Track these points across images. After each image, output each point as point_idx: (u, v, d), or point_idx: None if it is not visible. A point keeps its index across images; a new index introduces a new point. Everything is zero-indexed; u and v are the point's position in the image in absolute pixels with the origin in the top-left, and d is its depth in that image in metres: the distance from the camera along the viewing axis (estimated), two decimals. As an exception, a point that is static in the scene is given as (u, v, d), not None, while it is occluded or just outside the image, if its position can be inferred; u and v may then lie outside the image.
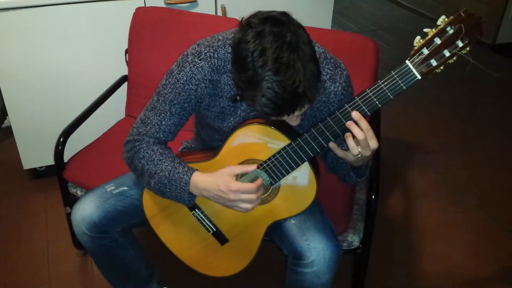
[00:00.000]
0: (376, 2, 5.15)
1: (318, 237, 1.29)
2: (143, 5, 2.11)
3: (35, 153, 2.28)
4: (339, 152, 1.18)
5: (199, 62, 1.25)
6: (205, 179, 1.24)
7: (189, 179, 1.25)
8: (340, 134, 1.17)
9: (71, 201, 1.80)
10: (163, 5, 2.14)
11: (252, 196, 1.22)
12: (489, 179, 2.53)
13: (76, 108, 1.90)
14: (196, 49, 1.26)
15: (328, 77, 1.27)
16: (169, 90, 1.28)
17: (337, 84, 1.28)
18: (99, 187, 1.43)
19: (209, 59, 1.24)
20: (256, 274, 1.86)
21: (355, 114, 1.12)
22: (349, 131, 1.14)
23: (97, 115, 1.90)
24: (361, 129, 1.13)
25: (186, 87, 1.26)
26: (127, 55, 2.02)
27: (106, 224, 1.38)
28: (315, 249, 1.27)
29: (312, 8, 2.32)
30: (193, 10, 2.20)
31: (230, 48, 1.22)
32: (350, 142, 1.15)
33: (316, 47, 1.24)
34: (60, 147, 1.71)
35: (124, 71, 2.06)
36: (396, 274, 1.96)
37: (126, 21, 1.96)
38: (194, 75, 1.25)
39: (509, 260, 2.03)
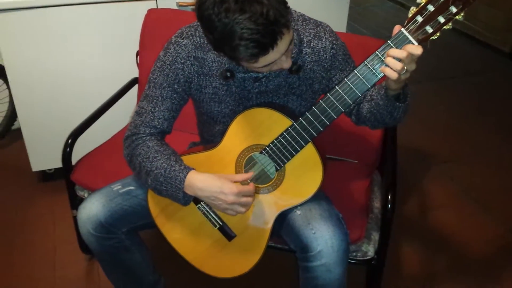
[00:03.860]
0: (390, 9, 5.10)
1: (324, 225, 1.25)
2: (155, 7, 2.08)
3: (44, 155, 2.26)
4: (394, 74, 1.06)
5: (182, 40, 1.28)
6: (202, 178, 1.23)
7: (185, 177, 1.23)
8: (350, 103, 1.14)
9: (78, 204, 1.74)
10: (175, 7, 2.11)
11: (250, 199, 1.23)
12: (507, 189, 2.45)
13: (85, 110, 1.86)
14: (179, 31, 1.31)
15: (311, 36, 1.29)
16: (158, 74, 1.30)
17: (324, 40, 1.29)
18: (105, 186, 1.41)
19: (191, 37, 1.28)
20: (268, 282, 1.80)
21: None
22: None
23: (106, 118, 1.87)
24: (398, 56, 1.05)
25: (173, 67, 1.28)
26: (138, 57, 1.99)
27: (112, 224, 1.35)
28: (322, 238, 1.23)
29: (327, 12, 2.29)
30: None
31: None
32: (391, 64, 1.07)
33: (292, 12, 1.27)
34: (68, 149, 1.68)
35: (135, 73, 2.03)
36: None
37: (137, 22, 1.93)
38: (178, 54, 1.28)
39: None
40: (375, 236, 1.55)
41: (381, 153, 1.83)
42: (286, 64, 1.16)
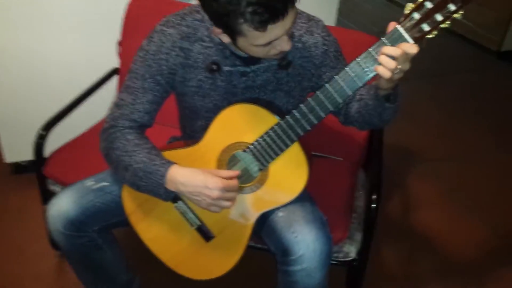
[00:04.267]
0: (381, 5, 5.05)
1: (306, 228, 1.20)
2: (139, -6, 1.99)
3: (17, 146, 2.16)
4: (387, 73, 1.00)
5: (167, 29, 1.22)
6: (185, 173, 1.17)
7: (166, 171, 1.16)
8: (340, 101, 1.09)
9: (50, 199, 1.68)
10: (160, -5, 2.03)
11: (234, 194, 1.18)
12: (495, 192, 2.43)
13: (62, 100, 1.78)
14: (164, 19, 1.24)
15: (303, 31, 1.24)
16: (140, 65, 1.23)
17: (315, 35, 1.24)
18: (78, 182, 1.34)
19: (177, 26, 1.22)
20: (246, 283, 1.75)
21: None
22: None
23: (83, 109, 1.80)
24: (392, 54, 0.99)
25: (157, 57, 1.22)
26: (119, 46, 1.92)
27: (83, 222, 1.28)
28: (304, 242, 1.18)
29: (317, 4, 2.23)
30: (192, 2, 2.09)
31: (197, 15, 1.22)
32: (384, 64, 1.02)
33: None
34: (40, 141, 1.61)
35: (116, 63, 1.95)
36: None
37: (120, 9, 1.85)
38: (163, 44, 1.21)
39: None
40: (358, 236, 1.51)
41: (366, 151, 1.78)
42: (287, 45, 1.10)
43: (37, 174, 1.66)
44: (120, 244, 1.45)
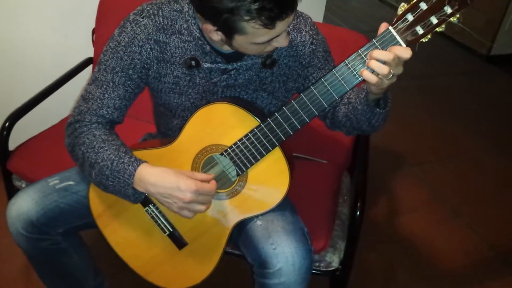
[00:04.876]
0: (369, 3, 4.99)
1: (286, 240, 1.11)
2: (116, -21, 1.88)
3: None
4: (374, 79, 0.94)
5: (142, 20, 1.12)
6: (155, 172, 1.07)
7: (135, 170, 1.07)
8: (325, 106, 1.02)
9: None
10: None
11: (209, 198, 1.09)
12: (482, 195, 2.39)
13: (32, 91, 1.67)
14: (139, 8, 1.15)
15: (290, 27, 1.15)
16: (110, 56, 1.13)
17: (303, 34, 1.17)
18: (41, 180, 1.24)
19: (152, 17, 1.12)
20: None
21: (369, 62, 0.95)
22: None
23: (54, 101, 1.69)
24: (383, 59, 0.92)
25: (129, 50, 1.12)
26: (94, 35, 1.81)
27: (45, 224, 1.19)
28: (282, 255, 1.10)
29: (304, 1, 2.15)
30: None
31: (175, 5, 1.13)
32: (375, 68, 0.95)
33: None
34: (5, 133, 1.50)
35: (90, 52, 1.85)
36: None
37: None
38: (136, 35, 1.12)
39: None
40: (341, 245, 1.43)
41: (352, 153, 1.71)
42: (286, 41, 1.03)
43: (1, 169, 1.56)
44: (89, 246, 1.36)
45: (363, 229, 1.37)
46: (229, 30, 0.97)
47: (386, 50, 0.93)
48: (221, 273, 1.23)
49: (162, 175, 1.07)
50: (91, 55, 1.85)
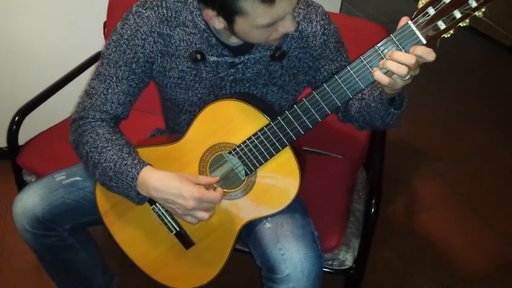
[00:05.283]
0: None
1: (295, 246, 1.07)
2: (128, -29, 1.86)
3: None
4: (385, 80, 0.89)
5: (144, 11, 1.08)
6: (158, 177, 1.04)
7: (137, 173, 1.04)
8: (339, 104, 0.96)
9: (26, 190, 1.57)
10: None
11: (212, 205, 1.05)
12: (500, 192, 2.31)
13: (43, 85, 1.66)
14: (141, 0, 1.11)
15: (301, 17, 1.10)
16: (113, 50, 1.10)
17: (314, 24, 1.11)
18: (47, 176, 1.22)
19: (156, 8, 1.08)
20: None
21: (381, 63, 0.90)
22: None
23: (64, 95, 1.69)
24: (399, 59, 0.87)
25: (132, 43, 1.09)
26: (105, 28, 1.78)
27: (51, 220, 1.17)
28: (291, 261, 1.06)
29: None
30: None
31: None
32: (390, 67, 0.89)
33: None
34: (14, 127, 1.49)
35: (101, 46, 1.82)
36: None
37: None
38: (139, 28, 1.08)
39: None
40: (355, 243, 1.39)
41: (368, 149, 1.65)
42: (292, 25, 0.98)
43: (12, 164, 1.55)
44: (98, 242, 1.34)
45: (378, 226, 1.33)
46: (229, 13, 0.93)
47: (404, 45, 0.88)
48: (229, 272, 1.19)
49: (166, 180, 1.04)
50: (102, 48, 1.82)
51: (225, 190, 1.11)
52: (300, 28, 1.10)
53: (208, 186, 1.08)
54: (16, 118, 1.49)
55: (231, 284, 1.59)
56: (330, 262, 1.36)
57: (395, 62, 0.87)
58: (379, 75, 0.89)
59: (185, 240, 1.16)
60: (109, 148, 1.07)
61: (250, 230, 1.16)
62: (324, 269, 1.16)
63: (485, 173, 2.43)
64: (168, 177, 1.03)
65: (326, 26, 1.13)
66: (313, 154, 1.66)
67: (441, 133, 2.75)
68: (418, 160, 2.50)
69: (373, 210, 1.29)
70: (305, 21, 1.11)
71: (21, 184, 1.58)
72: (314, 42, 1.12)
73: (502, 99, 3.16)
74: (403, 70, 0.87)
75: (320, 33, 1.12)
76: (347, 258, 1.36)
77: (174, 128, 1.27)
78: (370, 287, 1.67)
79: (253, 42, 1.04)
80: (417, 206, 2.19)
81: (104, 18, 1.77)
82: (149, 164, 1.06)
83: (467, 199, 2.24)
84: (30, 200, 1.16)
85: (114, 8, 1.73)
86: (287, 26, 0.97)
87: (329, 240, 1.31)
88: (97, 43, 1.83)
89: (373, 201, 1.29)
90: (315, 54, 1.14)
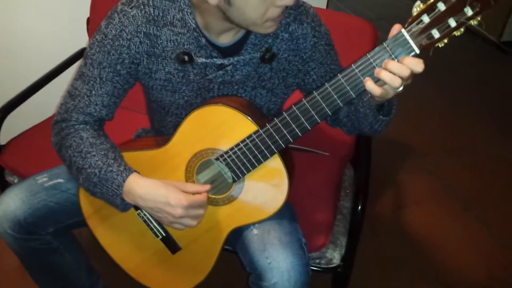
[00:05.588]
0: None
1: (282, 254, 1.06)
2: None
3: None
4: (377, 91, 0.89)
5: (130, 10, 1.04)
6: (145, 184, 1.02)
7: (123, 181, 1.02)
8: (329, 112, 0.95)
9: (8, 190, 1.55)
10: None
11: (201, 212, 1.03)
12: (490, 187, 2.31)
13: (24, 83, 1.64)
14: None
15: (291, 18, 1.08)
16: (97, 50, 1.06)
17: (305, 25, 1.08)
18: (29, 178, 1.20)
19: (142, 7, 1.04)
20: None
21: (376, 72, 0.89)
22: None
23: (48, 92, 1.65)
24: (394, 71, 0.87)
25: (116, 43, 1.05)
26: (88, 25, 1.76)
27: (34, 223, 1.14)
28: (278, 270, 1.04)
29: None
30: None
31: None
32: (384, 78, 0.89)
33: None
34: (-5, 126, 1.46)
35: (84, 43, 1.80)
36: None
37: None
38: (124, 27, 1.04)
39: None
40: (342, 241, 1.38)
41: (355, 145, 1.64)
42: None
43: (-7, 163, 1.52)
44: (83, 243, 1.32)
45: (366, 224, 1.33)
46: None
47: (397, 54, 0.87)
48: (221, 272, 1.18)
49: (152, 188, 1.01)
50: (85, 45, 1.80)
51: (212, 196, 1.09)
52: (290, 29, 1.08)
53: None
54: (-3, 117, 1.46)
55: (224, 285, 1.58)
56: (317, 261, 1.35)
57: (390, 72, 0.86)
58: (371, 86, 0.88)
59: (171, 245, 1.15)
60: (93, 153, 1.04)
61: (237, 235, 1.14)
62: (311, 267, 1.16)
63: (476, 168, 2.44)
64: (155, 185, 1.01)
65: (317, 28, 1.11)
66: (299, 152, 1.65)
67: (429, 129, 2.75)
68: (406, 156, 2.49)
69: (360, 207, 1.29)
70: (296, 22, 1.08)
71: (3, 184, 1.55)
72: (304, 44, 1.10)
73: (491, 94, 3.18)
74: (397, 81, 0.86)
75: (311, 35, 1.10)
76: (335, 256, 1.35)
77: (160, 129, 1.25)
78: (358, 285, 1.66)
79: (247, 22, 0.98)
80: (406, 202, 2.19)
81: (87, 14, 1.74)
82: (135, 171, 1.04)
83: (456, 195, 2.24)
84: (12, 204, 1.13)
85: (97, 4, 1.70)
86: None
87: (316, 238, 1.30)
88: (80, 40, 1.80)
89: (360, 199, 1.29)
90: (305, 57, 1.12)
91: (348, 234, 1.37)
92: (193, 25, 1.03)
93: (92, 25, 1.73)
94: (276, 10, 0.96)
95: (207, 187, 1.06)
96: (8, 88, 1.72)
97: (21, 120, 1.60)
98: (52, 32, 1.91)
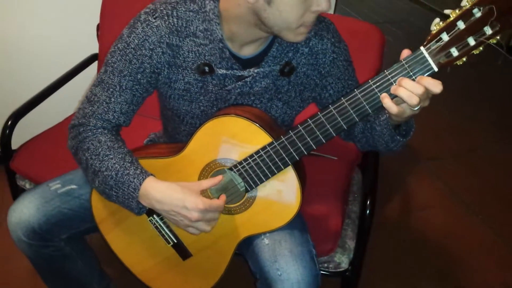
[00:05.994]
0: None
1: (292, 267, 1.06)
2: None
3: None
4: (394, 109, 0.89)
5: (154, 21, 1.04)
6: (161, 188, 1.02)
7: (140, 184, 1.02)
8: (345, 127, 0.95)
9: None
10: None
11: (216, 215, 1.03)
12: (497, 190, 2.31)
13: (36, 88, 1.65)
14: (151, 7, 1.06)
15: (312, 33, 1.09)
16: (118, 58, 1.06)
17: (325, 41, 1.09)
18: (42, 184, 1.20)
19: (166, 18, 1.04)
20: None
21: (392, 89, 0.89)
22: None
23: (58, 98, 1.67)
24: (409, 88, 0.87)
25: (138, 53, 1.05)
26: (98, 30, 1.78)
27: (48, 230, 1.15)
28: (288, 281, 1.04)
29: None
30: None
31: (192, 5, 1.05)
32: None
33: None
34: (7, 132, 1.48)
35: (95, 48, 1.82)
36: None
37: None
38: (147, 37, 1.04)
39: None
40: (350, 245, 1.38)
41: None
42: (326, 3, 0.94)
43: (5, 168, 1.54)
44: (95, 248, 1.33)
45: (374, 228, 1.33)
46: None
47: (415, 72, 0.87)
48: (229, 275, 1.19)
49: (168, 191, 1.02)
50: (96, 51, 1.82)
51: (225, 205, 1.10)
52: (310, 44, 1.09)
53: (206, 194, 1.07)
54: (9, 122, 1.48)
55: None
56: (325, 265, 1.36)
57: (407, 90, 0.86)
58: (388, 103, 0.88)
59: (182, 251, 1.15)
60: (111, 156, 1.05)
61: (248, 243, 1.14)
62: (320, 271, 1.16)
63: (482, 171, 2.43)
64: (171, 189, 1.02)
65: (337, 44, 1.11)
66: (308, 156, 1.65)
67: (437, 133, 2.75)
68: (413, 160, 2.49)
69: (368, 211, 1.29)
70: (316, 37, 1.09)
71: (15, 189, 1.57)
72: (324, 59, 1.10)
73: (500, 98, 3.17)
74: (414, 99, 0.86)
75: (330, 51, 1.10)
76: (343, 260, 1.36)
77: (173, 136, 1.25)
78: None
79: (282, 25, 0.96)
80: (413, 206, 2.19)
81: (98, 21, 1.76)
82: (151, 175, 1.04)
83: (464, 199, 2.23)
84: (26, 211, 1.14)
85: (108, 10, 1.73)
86: (322, 2, 0.94)
87: (324, 243, 1.31)
88: (90, 46, 1.82)
89: (368, 203, 1.29)
90: (323, 72, 1.12)
91: (356, 238, 1.37)
92: (219, 36, 1.03)
93: (102, 31, 1.75)
94: (311, 16, 0.96)
95: (220, 177, 1.06)
96: (20, 94, 1.75)
97: (32, 125, 1.62)
98: (63, 39, 1.93)
